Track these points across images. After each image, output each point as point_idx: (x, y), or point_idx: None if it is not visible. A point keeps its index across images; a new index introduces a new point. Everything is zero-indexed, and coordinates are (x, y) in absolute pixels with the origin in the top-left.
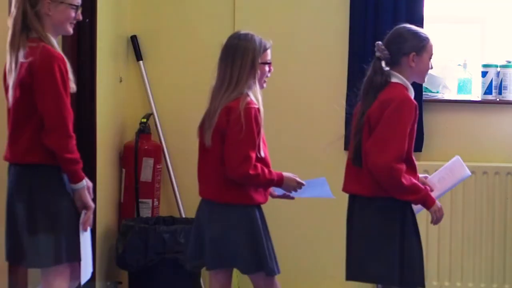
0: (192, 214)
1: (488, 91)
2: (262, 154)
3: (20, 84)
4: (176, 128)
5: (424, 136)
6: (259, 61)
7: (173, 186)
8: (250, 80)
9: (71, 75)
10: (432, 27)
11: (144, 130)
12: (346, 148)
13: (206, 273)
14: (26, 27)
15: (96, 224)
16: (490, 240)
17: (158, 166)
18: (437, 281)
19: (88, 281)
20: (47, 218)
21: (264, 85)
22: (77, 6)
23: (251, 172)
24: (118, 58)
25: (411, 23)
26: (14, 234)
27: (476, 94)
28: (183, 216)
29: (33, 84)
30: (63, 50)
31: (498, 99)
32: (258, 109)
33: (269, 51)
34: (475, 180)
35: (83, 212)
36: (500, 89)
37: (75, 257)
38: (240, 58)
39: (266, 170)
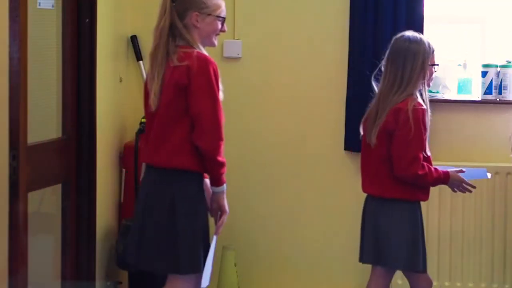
0: None
1: (488, 91)
2: (428, 153)
3: (175, 86)
4: None
5: None
6: (429, 63)
7: None
8: (419, 81)
9: (220, 84)
10: (432, 27)
11: (144, 130)
12: (346, 148)
13: None
14: (174, 38)
15: (96, 224)
16: (490, 240)
17: None
18: (437, 281)
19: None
20: (188, 225)
21: (431, 84)
22: (223, 18)
23: (420, 172)
24: (118, 58)
25: (411, 23)
26: (148, 238)
27: (476, 94)
28: None
29: (190, 86)
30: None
31: (498, 99)
32: (425, 109)
33: (435, 53)
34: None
35: (218, 215)
36: (500, 89)
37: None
38: (411, 60)
39: (433, 169)
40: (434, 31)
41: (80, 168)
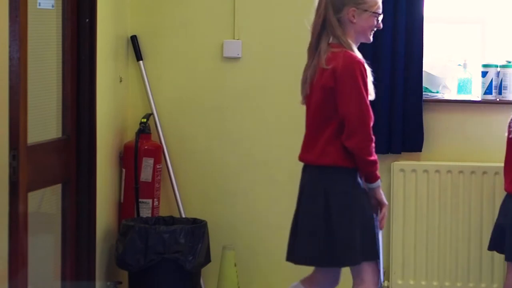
0: (192, 214)
1: (488, 91)
2: None
3: (322, 89)
4: (176, 128)
5: (424, 136)
6: None
7: (173, 186)
8: None
9: (370, 82)
10: (432, 27)
11: (144, 130)
12: None
13: (206, 273)
14: (327, 33)
15: (96, 224)
16: None
17: (158, 166)
18: (437, 281)
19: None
20: (343, 218)
21: None
22: (379, 15)
23: None
24: (118, 58)
25: (411, 23)
26: (308, 233)
27: (476, 94)
28: (183, 216)
29: (336, 88)
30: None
31: (498, 99)
32: None
33: None
34: (475, 180)
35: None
36: (500, 89)
37: (374, 256)
38: None
39: None
40: (434, 31)
41: (80, 168)
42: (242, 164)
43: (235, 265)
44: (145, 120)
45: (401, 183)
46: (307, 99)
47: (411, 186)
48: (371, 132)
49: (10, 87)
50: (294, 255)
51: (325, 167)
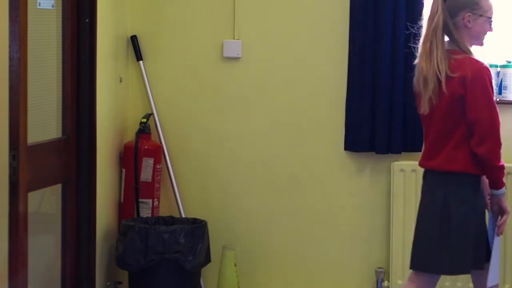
0: (192, 214)
1: None
2: None
3: (451, 97)
4: (176, 128)
5: None
6: None
7: (173, 186)
8: None
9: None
10: None
11: (144, 130)
12: (346, 148)
13: (206, 273)
14: (441, 38)
15: (96, 224)
16: None
17: (158, 166)
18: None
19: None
20: (462, 226)
21: None
22: (492, 19)
23: None
24: (118, 58)
25: (411, 23)
26: (424, 238)
27: None
28: (183, 216)
29: (466, 95)
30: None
31: (498, 99)
32: None
33: None
34: None
35: (499, 216)
36: (500, 89)
37: (481, 265)
38: None
39: None
40: None
41: (80, 168)
42: (242, 164)
43: (235, 265)
44: (145, 120)
45: (401, 183)
46: (429, 105)
47: (411, 186)
48: (500, 138)
49: (10, 87)
50: (411, 259)
51: (450, 173)
